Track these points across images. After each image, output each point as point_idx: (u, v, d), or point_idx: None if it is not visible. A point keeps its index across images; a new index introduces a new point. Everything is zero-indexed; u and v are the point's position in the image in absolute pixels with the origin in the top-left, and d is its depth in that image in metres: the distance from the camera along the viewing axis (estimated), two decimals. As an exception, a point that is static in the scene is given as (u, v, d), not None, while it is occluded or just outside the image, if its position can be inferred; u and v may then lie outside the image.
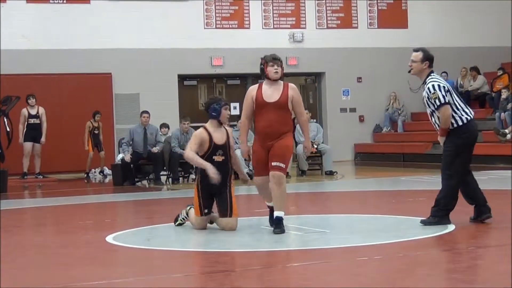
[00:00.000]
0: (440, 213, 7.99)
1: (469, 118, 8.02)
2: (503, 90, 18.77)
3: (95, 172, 18.60)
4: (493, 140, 17.50)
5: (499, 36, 22.55)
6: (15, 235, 8.79)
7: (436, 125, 8.05)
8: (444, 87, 7.88)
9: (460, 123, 7.96)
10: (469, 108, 8.17)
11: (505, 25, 22.63)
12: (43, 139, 17.48)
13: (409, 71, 8.18)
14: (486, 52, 22.29)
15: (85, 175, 18.31)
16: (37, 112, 17.52)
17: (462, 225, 8.16)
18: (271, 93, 7.95)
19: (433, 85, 7.87)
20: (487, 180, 13.83)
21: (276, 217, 7.81)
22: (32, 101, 17.50)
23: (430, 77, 8.00)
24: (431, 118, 8.09)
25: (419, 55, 8.05)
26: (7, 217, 10.35)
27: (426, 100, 8.00)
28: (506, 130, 17.23)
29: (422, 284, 5.56)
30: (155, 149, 15.49)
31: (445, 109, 7.84)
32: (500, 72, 20.53)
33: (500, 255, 6.49)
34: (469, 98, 20.41)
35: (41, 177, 17.54)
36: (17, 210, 11.97)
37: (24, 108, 17.47)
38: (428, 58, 8.04)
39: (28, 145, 17.45)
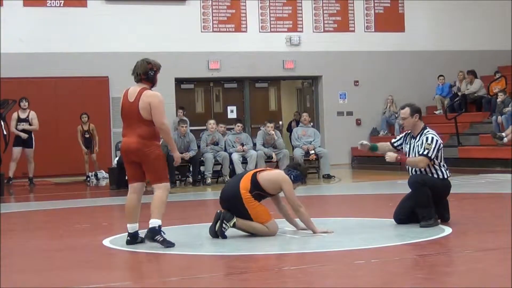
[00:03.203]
0: (430, 215, 8.23)
1: (446, 176, 8.47)
2: (499, 94, 18.77)
3: (92, 175, 18.52)
4: (491, 143, 17.50)
5: (495, 39, 22.58)
6: (11, 238, 8.77)
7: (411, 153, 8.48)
8: (440, 144, 8.35)
9: (445, 176, 8.46)
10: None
11: (502, 29, 22.65)
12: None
13: (402, 128, 8.55)
14: (482, 55, 22.32)
15: (86, 178, 18.23)
16: (27, 116, 17.18)
17: (459, 228, 8.18)
18: None
19: (432, 138, 8.34)
20: (485, 183, 13.84)
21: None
22: (24, 104, 17.19)
23: (427, 129, 8.48)
24: (408, 146, 8.54)
25: (407, 111, 8.51)
26: (3, 221, 10.33)
27: (418, 145, 8.40)
28: (503, 134, 17.23)
29: (420, 287, 5.55)
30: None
31: (424, 161, 8.29)
32: (498, 75, 20.55)
33: (497, 258, 6.48)
34: (466, 101, 20.44)
35: (33, 185, 17.10)
36: (13, 213, 11.95)
37: (15, 112, 17.11)
38: (416, 111, 8.51)
39: (16, 150, 17.08)
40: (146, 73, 7.72)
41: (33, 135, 17.31)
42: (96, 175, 18.32)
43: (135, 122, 7.57)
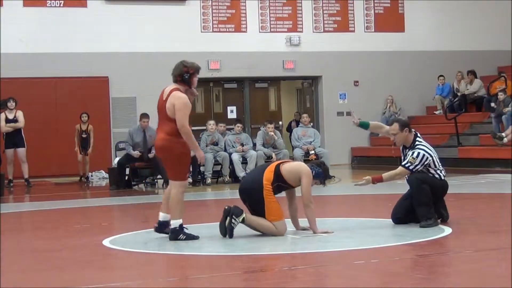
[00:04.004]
0: (430, 215, 8.23)
1: (443, 177, 8.48)
2: (499, 94, 18.75)
3: (85, 177, 18.36)
4: (491, 143, 17.50)
5: (495, 39, 22.57)
6: (11, 238, 8.76)
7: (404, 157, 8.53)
8: (428, 158, 8.31)
9: (442, 178, 8.48)
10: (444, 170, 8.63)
11: (502, 29, 22.65)
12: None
13: (394, 144, 8.74)
14: (482, 55, 22.31)
15: (79, 179, 18.16)
16: (15, 116, 16.80)
17: (459, 228, 8.18)
18: None
19: (418, 153, 8.33)
20: (485, 183, 13.84)
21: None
22: (11, 104, 16.80)
23: (417, 142, 8.47)
24: (403, 155, 8.59)
25: (396, 126, 8.56)
26: (3, 221, 10.33)
27: (405, 156, 8.50)
28: (503, 134, 17.23)
29: (419, 287, 5.55)
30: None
31: (403, 172, 8.41)
32: (502, 75, 20.53)
33: (497, 258, 6.48)
34: (465, 101, 20.43)
35: (30, 186, 16.81)
36: (13, 213, 11.94)
37: (3, 113, 16.78)
38: (405, 124, 8.58)
39: (9, 152, 16.81)
40: (181, 75, 8.00)
41: (23, 134, 16.94)
42: (87, 178, 18.19)
43: (163, 119, 7.99)
